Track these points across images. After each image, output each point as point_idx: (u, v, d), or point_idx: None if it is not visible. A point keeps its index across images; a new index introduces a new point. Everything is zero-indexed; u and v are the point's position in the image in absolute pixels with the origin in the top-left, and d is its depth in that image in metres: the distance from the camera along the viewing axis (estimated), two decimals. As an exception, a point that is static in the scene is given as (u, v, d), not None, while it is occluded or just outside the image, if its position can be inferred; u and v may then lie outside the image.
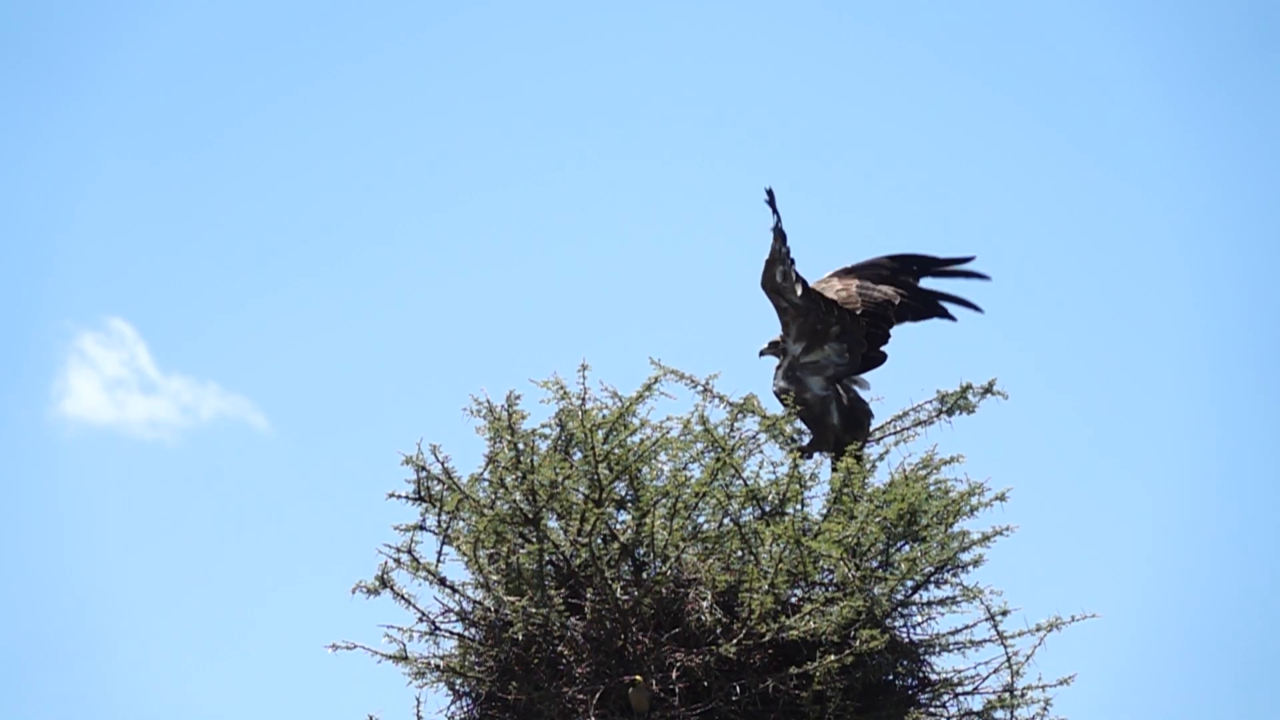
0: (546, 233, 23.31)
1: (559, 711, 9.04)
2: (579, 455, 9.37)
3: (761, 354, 10.43)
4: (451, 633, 9.35)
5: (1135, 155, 22.29)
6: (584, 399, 9.34)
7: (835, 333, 10.25)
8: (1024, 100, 23.36)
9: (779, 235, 9.97)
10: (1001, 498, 9.39)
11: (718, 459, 9.35)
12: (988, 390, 10.04)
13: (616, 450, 9.26)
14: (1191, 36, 21.50)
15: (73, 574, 19.61)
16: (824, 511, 9.45)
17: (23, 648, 18.67)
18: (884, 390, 10.32)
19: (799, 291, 10.10)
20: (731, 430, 9.66)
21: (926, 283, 10.78)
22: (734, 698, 9.04)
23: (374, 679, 9.33)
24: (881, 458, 9.81)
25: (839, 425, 10.20)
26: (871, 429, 10.24)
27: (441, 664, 9.29)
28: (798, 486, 9.45)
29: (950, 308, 10.75)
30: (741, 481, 9.41)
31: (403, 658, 9.27)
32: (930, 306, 10.74)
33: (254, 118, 24.17)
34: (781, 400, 10.20)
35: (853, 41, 23.94)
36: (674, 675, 9.03)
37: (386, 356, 22.68)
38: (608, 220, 23.46)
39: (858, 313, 10.39)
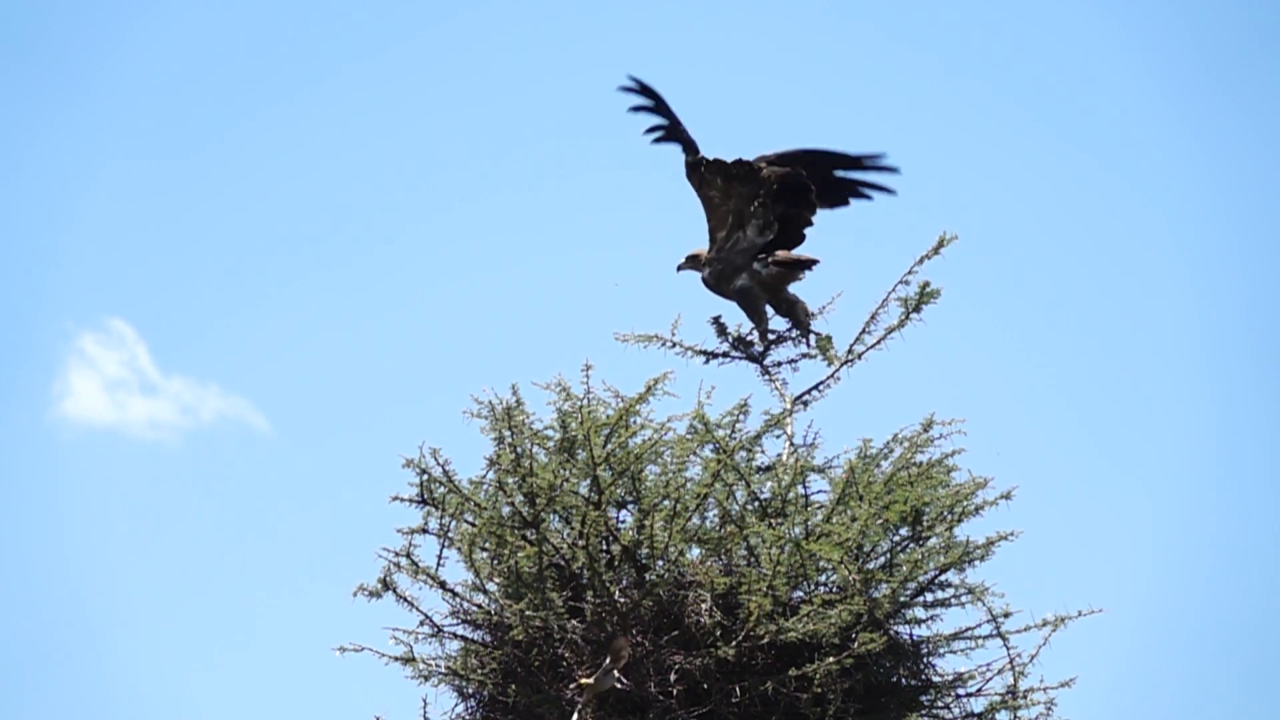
0: (549, 235, 23.29)
1: (559, 714, 9.03)
2: (581, 455, 9.34)
3: (679, 269, 10.48)
4: (455, 635, 9.34)
5: (1135, 155, 22.28)
6: (587, 398, 9.31)
7: (756, 209, 10.22)
8: (1022, 99, 23.35)
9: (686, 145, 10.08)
10: (1007, 496, 9.35)
11: (719, 460, 9.32)
12: (939, 247, 10.01)
13: (618, 452, 9.22)
14: (1191, 37, 21.48)
15: (73, 575, 19.58)
16: (827, 514, 9.42)
17: (23, 649, 18.65)
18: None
19: (719, 168, 10.11)
20: (733, 432, 9.63)
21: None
22: (734, 700, 9.02)
23: (377, 680, 9.33)
24: (885, 454, 9.75)
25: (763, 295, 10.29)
26: (817, 331, 10.31)
27: (446, 667, 9.28)
28: (800, 490, 9.43)
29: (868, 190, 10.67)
30: (744, 482, 9.38)
31: (409, 659, 9.26)
32: (845, 189, 10.64)
33: (255, 119, 24.17)
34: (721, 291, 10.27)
35: (849, 41, 23.93)
36: (673, 677, 9.02)
37: (387, 358, 22.67)
38: (611, 221, 23.43)
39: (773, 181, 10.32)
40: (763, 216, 10.25)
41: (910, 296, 10.09)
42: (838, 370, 10.20)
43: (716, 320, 10.47)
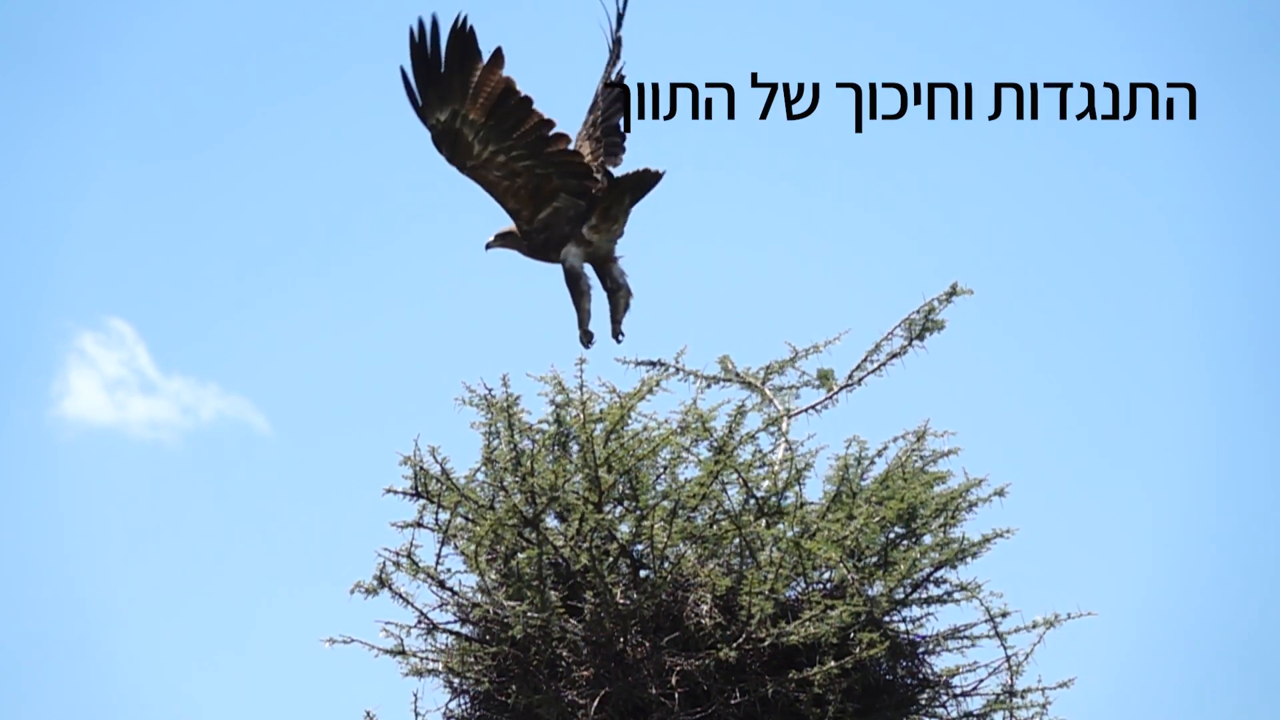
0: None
1: (558, 714, 9.03)
2: (576, 449, 9.33)
3: (488, 247, 10.20)
4: (450, 631, 9.34)
5: (1134, 154, 22.28)
6: (582, 396, 9.29)
7: (557, 184, 10.00)
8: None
9: None
10: (1000, 493, 9.39)
11: (716, 460, 9.34)
12: (951, 294, 10.22)
13: (618, 451, 9.22)
14: (1191, 37, 21.50)
15: (73, 575, 19.63)
16: (821, 513, 9.43)
17: (23, 648, 18.69)
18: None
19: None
20: (731, 432, 9.64)
21: None
22: (733, 701, 9.03)
23: (373, 677, 9.35)
24: (880, 454, 9.77)
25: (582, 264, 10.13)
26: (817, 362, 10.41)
27: (439, 661, 9.29)
28: (797, 488, 9.45)
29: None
30: (741, 480, 9.40)
31: (400, 652, 9.27)
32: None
33: (255, 119, 24.18)
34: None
35: (845, 38, 23.96)
36: (674, 680, 9.02)
37: (387, 358, 22.68)
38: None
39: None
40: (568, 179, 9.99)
41: (914, 319, 10.27)
42: (836, 394, 10.33)
43: (724, 359, 10.48)
